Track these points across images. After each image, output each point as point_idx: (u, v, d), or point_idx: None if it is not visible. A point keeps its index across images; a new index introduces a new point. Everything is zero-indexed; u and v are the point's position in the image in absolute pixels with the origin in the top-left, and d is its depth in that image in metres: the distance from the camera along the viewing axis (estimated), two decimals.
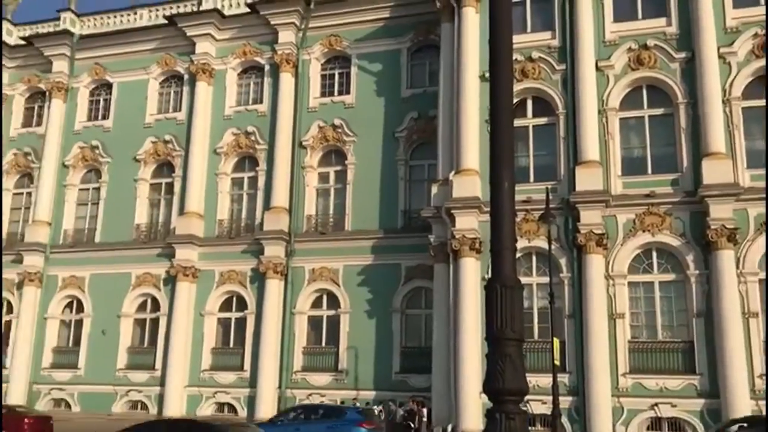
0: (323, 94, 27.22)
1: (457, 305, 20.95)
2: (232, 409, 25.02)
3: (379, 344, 23.84)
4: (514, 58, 5.09)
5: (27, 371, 27.74)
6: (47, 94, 30.72)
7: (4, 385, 27.77)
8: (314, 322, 25.47)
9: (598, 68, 21.58)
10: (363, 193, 25.46)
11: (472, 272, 21.07)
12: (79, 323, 28.17)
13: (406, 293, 24.23)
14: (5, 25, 31.75)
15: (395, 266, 24.34)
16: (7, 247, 29.55)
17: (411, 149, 25.67)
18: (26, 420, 21.20)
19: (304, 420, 19.24)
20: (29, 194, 30.55)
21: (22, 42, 31.19)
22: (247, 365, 25.15)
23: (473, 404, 19.77)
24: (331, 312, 25.05)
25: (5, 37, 31.35)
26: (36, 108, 31.55)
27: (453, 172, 22.05)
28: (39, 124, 30.97)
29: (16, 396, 27.19)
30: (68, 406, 27.17)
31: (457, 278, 21.21)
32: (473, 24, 22.69)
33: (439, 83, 23.86)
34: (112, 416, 25.60)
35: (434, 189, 22.74)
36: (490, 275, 5.01)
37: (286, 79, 27.01)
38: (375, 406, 21.99)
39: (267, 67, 27.87)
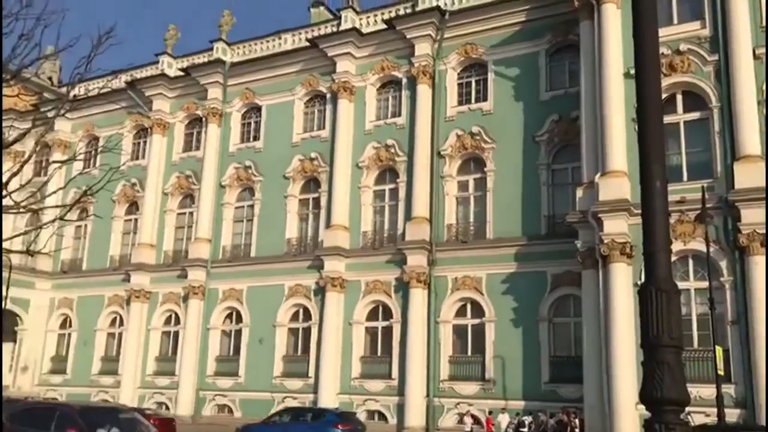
0: (460, 103, 27.27)
1: (608, 312, 20.16)
2: (381, 416, 25.51)
3: (526, 353, 23.40)
4: (660, 52, 4.86)
5: (194, 379, 29.82)
6: (204, 119, 33.04)
7: (173, 392, 30.04)
8: (459, 331, 25.44)
9: (755, 56, 20.10)
10: (504, 199, 25.18)
11: (623, 278, 20.21)
12: (238, 333, 29.93)
13: (553, 301, 23.63)
14: (165, 58, 34.55)
15: (540, 273, 23.81)
16: (173, 263, 32.04)
17: (553, 153, 25.07)
18: (151, 421, 22.62)
19: (291, 421, 21.50)
20: (191, 214, 32.95)
21: (181, 73, 33.78)
22: (394, 373, 25.57)
23: (629, 415, 18.89)
24: (476, 321, 24.93)
25: (166, 70, 34.10)
26: (194, 133, 34.03)
27: (599, 175, 21.31)
28: (197, 148, 33.36)
29: (184, 402, 29.32)
30: (231, 411, 28.90)
31: (607, 284, 20.42)
32: (614, 20, 21.92)
33: (581, 83, 23.18)
34: None
35: (579, 192, 22.08)
36: (643, 280, 4.81)
37: (423, 91, 27.33)
38: (525, 417, 21.59)
39: (404, 81, 28.35)
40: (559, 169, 25.13)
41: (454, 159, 26.74)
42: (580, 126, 22.91)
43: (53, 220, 8.94)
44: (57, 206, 11.11)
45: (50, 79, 41.85)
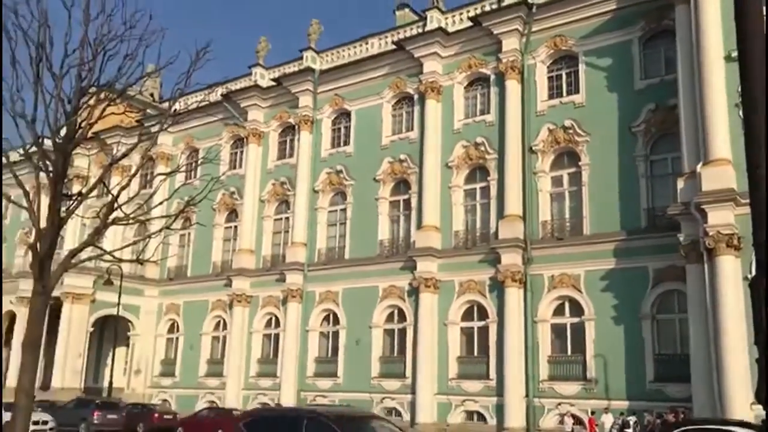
0: (551, 97, 26.72)
1: (716, 308, 19.24)
2: (480, 417, 25.33)
3: (629, 352, 22.64)
4: (766, 31, 4.61)
5: (294, 379, 30.59)
6: (296, 127, 33.88)
7: (275, 392, 30.90)
8: (558, 330, 24.92)
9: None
10: (600, 193, 24.47)
11: (732, 271, 19.24)
12: (335, 334, 30.48)
13: (656, 297, 22.74)
14: (258, 69, 35.65)
15: (641, 269, 22.99)
16: (272, 267, 33.01)
17: (650, 143, 24.15)
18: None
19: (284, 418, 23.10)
20: (287, 219, 33.84)
21: (273, 83, 34.78)
22: (492, 374, 25.33)
23: (743, 415, 17.92)
24: (575, 319, 24.35)
25: (259, 81, 35.18)
26: (288, 141, 34.94)
27: (701, 164, 20.38)
28: (291, 155, 34.23)
29: (286, 402, 30.06)
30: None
31: (714, 279, 19.49)
32: (713, 1, 20.91)
33: (678, 70, 22.23)
34: None
35: (680, 183, 21.18)
36: (753, 273, 4.57)
37: (512, 86, 26.96)
38: (630, 417, 20.90)
39: (492, 77, 28.07)
40: (657, 160, 24.18)
41: (547, 154, 26.23)
42: (679, 114, 21.97)
43: (160, 230, 9.42)
44: (163, 216, 11.68)
45: (151, 95, 44.07)
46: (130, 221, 8.50)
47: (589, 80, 25.71)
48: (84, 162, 37.75)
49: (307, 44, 34.05)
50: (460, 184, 28.31)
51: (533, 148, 26.23)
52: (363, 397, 28.04)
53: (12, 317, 37.12)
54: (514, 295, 25.13)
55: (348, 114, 32.63)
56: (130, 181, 9.07)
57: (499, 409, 24.68)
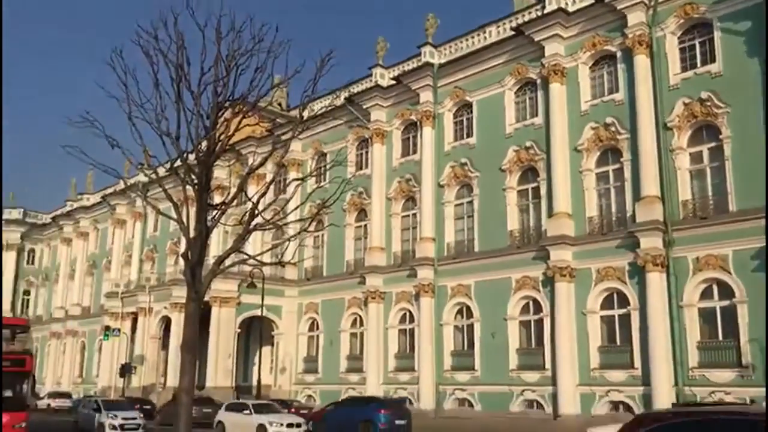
0: (684, 69, 25.23)
1: None
2: (627, 407, 24.39)
3: None
4: None
5: (432, 373, 30.82)
6: (418, 123, 34.10)
7: (414, 386, 31.27)
8: (706, 315, 23.53)
9: None
10: (746, 167, 22.81)
11: None
12: (470, 328, 30.41)
13: None
14: (378, 69, 36.19)
15: None
16: (402, 264, 33.45)
17: None
18: (292, 410, 27.96)
19: (350, 406, 25.24)
20: (414, 215, 34.16)
21: (393, 82, 35.20)
22: (637, 363, 24.32)
23: None
24: (725, 302, 22.88)
25: (379, 81, 35.71)
26: (410, 138, 35.24)
27: None
28: (414, 151, 34.50)
29: (425, 396, 30.40)
30: (470, 405, 29.40)
31: None
32: None
33: None
34: (510, 415, 26.98)
35: None
36: None
37: (641, 61, 25.71)
38: None
39: (619, 54, 26.92)
40: None
41: (683, 130, 24.80)
42: None
43: (297, 233, 9.83)
44: (298, 220, 12.17)
45: (279, 105, 45.91)
46: (270, 227, 8.94)
47: (725, 47, 24.05)
48: (223, 173, 39.97)
49: (424, 39, 34.15)
50: (591, 168, 27.38)
51: (668, 124, 24.89)
52: (501, 390, 27.83)
53: (167, 322, 39.96)
54: (656, 280, 23.98)
55: (469, 105, 32.42)
56: (267, 188, 9.53)
57: (647, 399, 23.66)
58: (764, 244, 21.74)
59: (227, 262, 9.34)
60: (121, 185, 45.13)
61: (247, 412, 25.00)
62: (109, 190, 53.52)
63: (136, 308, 43.49)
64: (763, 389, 20.95)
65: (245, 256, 10.45)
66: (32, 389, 21.89)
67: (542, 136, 28.77)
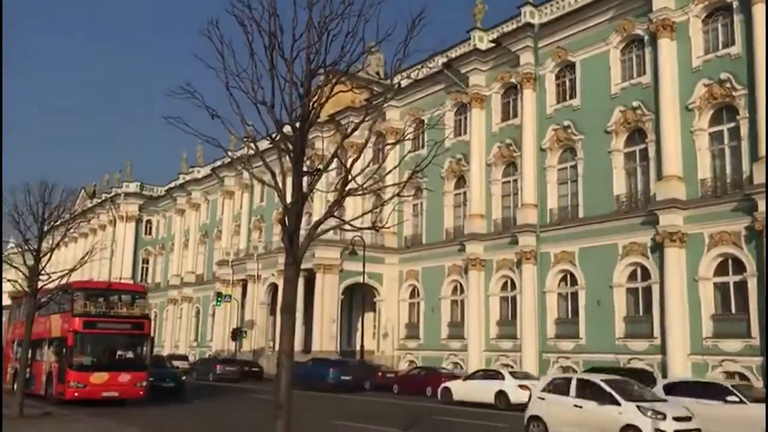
0: None
1: None
2: (744, 378, 23.17)
3: None
4: None
5: (535, 342, 30.42)
6: (518, 86, 33.25)
7: (516, 354, 31.01)
8: None
9: None
10: None
11: None
12: (574, 295, 29.72)
13: None
14: (476, 33, 35.44)
15: None
16: (503, 231, 33.02)
17: None
18: (443, 378, 27.19)
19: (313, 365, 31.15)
20: (515, 181, 33.53)
21: (492, 45, 34.42)
22: (754, 332, 23.02)
23: None
24: None
25: (478, 44, 35.00)
26: (510, 102, 34.45)
27: None
28: (515, 116, 33.72)
29: (528, 364, 30.03)
30: (575, 373, 28.79)
31: None
32: None
33: None
34: None
35: None
36: None
37: (760, 11, 23.82)
38: None
39: (735, 4, 25.09)
40: None
41: None
42: None
43: (391, 197, 9.82)
44: (392, 185, 12.18)
45: (377, 73, 46.01)
46: (364, 191, 8.98)
47: None
48: (323, 143, 40.69)
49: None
50: (704, 128, 25.85)
51: None
52: (608, 358, 27.05)
53: (275, 289, 41.42)
54: None
55: (572, 66, 31.27)
56: (360, 153, 9.54)
57: (766, 371, 22.39)
58: None
59: (324, 227, 9.49)
60: (228, 158, 46.81)
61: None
62: (218, 163, 55.66)
63: (246, 275, 45.30)
64: None
65: (340, 221, 10.55)
66: (151, 351, 23.40)
67: (650, 96, 27.39)
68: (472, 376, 25.67)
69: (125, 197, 66.63)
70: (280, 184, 8.48)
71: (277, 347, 38.26)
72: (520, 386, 22.36)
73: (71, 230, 26.17)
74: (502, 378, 23.73)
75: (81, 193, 68.88)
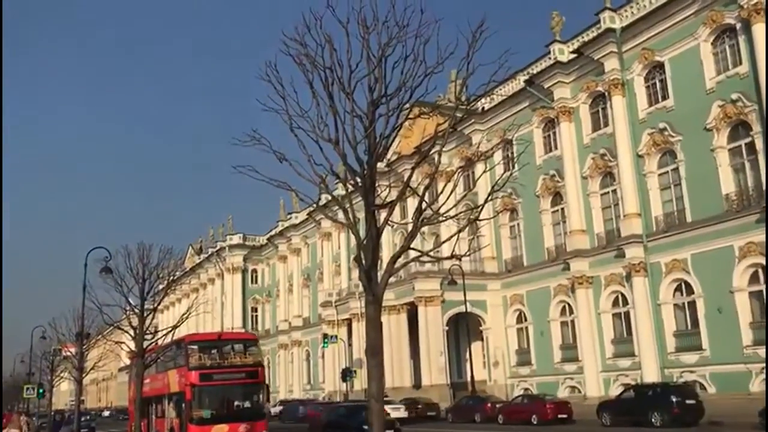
0: None
1: None
2: None
3: None
4: None
5: (655, 357, 28.64)
6: (606, 94, 32.01)
7: (636, 372, 29.26)
8: None
9: None
10: None
11: None
12: (692, 305, 27.87)
13: None
14: (556, 45, 34.47)
15: None
16: (607, 244, 31.58)
17: None
18: (548, 405, 26.24)
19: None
20: (614, 192, 32.10)
21: (573, 56, 33.41)
22: None
23: None
24: None
25: (559, 57, 34.02)
26: (599, 111, 33.20)
27: None
28: (606, 124, 32.45)
29: (650, 381, 28.23)
30: (702, 387, 26.84)
31: None
32: None
33: None
34: (751, 396, 24.25)
35: None
36: None
37: None
38: None
39: None
40: None
41: None
42: None
43: (467, 224, 9.44)
44: (469, 209, 11.71)
45: (458, 99, 45.54)
46: (440, 219, 8.61)
47: None
48: (414, 176, 40.60)
49: (602, 5, 31.99)
50: None
51: None
52: (737, 369, 25.13)
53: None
54: None
55: (661, 66, 29.83)
56: (432, 179, 9.22)
57: None
58: None
59: (403, 261, 9.18)
60: (321, 200, 47.49)
61: None
62: (313, 207, 56.67)
63: (349, 314, 45.45)
64: None
65: (419, 253, 10.19)
66: (267, 398, 23.39)
67: (750, 86, 25.67)
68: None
69: (230, 249, 68.95)
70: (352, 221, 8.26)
71: (388, 384, 38.03)
72: None
73: (173, 287, 26.95)
74: None
75: (188, 250, 71.85)
